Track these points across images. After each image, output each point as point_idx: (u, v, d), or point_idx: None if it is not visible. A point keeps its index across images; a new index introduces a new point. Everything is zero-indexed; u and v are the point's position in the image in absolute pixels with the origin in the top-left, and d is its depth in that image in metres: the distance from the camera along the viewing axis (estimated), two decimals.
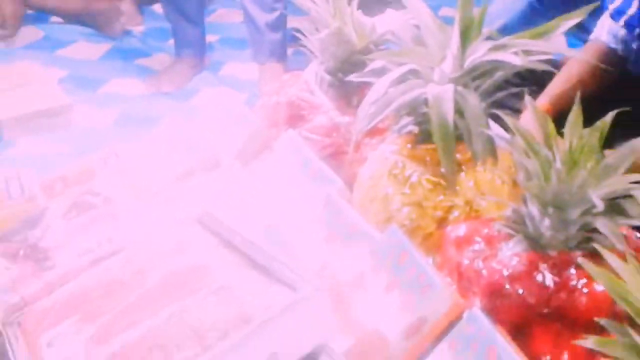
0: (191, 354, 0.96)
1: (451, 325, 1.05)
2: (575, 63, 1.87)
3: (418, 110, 1.32)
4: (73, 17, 3.03)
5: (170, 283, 1.13)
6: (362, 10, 1.68)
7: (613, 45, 1.92)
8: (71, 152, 2.05)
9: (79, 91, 2.50)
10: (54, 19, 3.07)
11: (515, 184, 1.27)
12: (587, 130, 1.09)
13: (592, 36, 1.95)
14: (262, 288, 1.05)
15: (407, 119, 1.35)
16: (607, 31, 1.93)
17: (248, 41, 2.62)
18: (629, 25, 1.90)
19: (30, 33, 2.96)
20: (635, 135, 1.13)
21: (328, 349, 1.02)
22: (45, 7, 3.08)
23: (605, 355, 0.89)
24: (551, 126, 1.11)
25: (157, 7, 3.00)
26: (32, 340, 1.14)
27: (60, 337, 1.11)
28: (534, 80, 1.46)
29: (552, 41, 1.33)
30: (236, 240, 1.18)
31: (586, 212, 1.05)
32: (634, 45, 1.91)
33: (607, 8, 1.93)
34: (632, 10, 1.89)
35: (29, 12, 3.02)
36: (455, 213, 1.26)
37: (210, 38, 2.79)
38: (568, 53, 1.35)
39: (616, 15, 1.91)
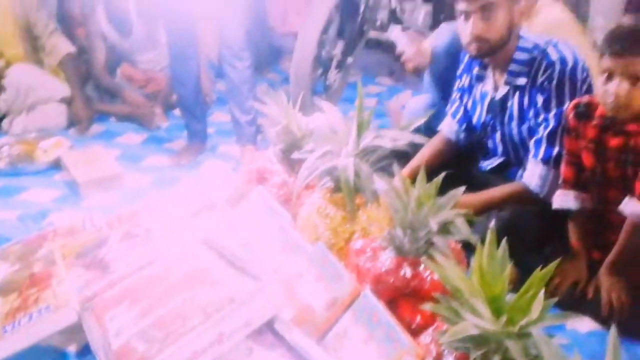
0: (197, 322, 0.97)
1: (353, 301, 1.06)
2: (427, 146, 1.89)
3: (333, 174, 1.32)
4: (124, 117, 3.00)
5: (185, 279, 1.12)
6: (301, 112, 1.67)
7: (449, 136, 1.94)
8: (124, 202, 2.02)
9: (128, 164, 2.46)
10: (112, 118, 3.03)
11: (390, 216, 1.26)
12: (429, 184, 1.11)
13: (438, 128, 1.97)
14: (240, 280, 1.05)
15: (327, 179, 1.34)
16: (447, 125, 1.94)
17: (234, 132, 2.60)
18: (460, 122, 1.92)
19: (97, 128, 2.92)
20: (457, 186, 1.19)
21: (280, 316, 1.02)
22: (106, 111, 3.04)
23: (438, 315, 0.92)
24: (408, 182, 1.12)
25: (176, 111, 2.95)
26: (100, 318, 1.12)
27: (118, 314, 1.10)
28: (402, 155, 1.45)
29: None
30: (225, 252, 1.18)
31: (428, 232, 1.07)
32: (462, 136, 1.93)
33: (447, 113, 1.96)
34: (459, 115, 1.91)
35: (96, 115, 2.99)
36: (356, 235, 1.26)
37: (210, 130, 2.75)
38: (421, 141, 1.38)
39: (453, 115, 1.93)
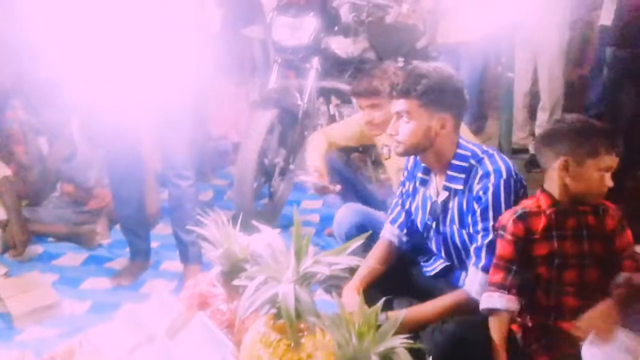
0: None
1: None
2: (372, 253, 1.91)
3: (275, 301, 1.28)
4: (63, 238, 2.92)
5: None
6: (242, 231, 1.64)
7: (393, 240, 1.95)
8: (60, 333, 1.92)
9: (65, 289, 2.37)
10: (50, 239, 2.95)
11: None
12: (370, 309, 1.09)
13: (381, 234, 1.97)
14: None
15: (268, 306, 1.31)
16: (388, 232, 1.96)
17: (177, 249, 2.54)
18: (400, 227, 1.94)
19: (34, 250, 2.83)
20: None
21: None
22: (44, 232, 2.96)
23: None
24: (347, 314, 1.12)
25: (119, 227, 2.90)
26: None
27: None
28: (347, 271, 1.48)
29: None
30: None
31: None
32: (404, 239, 1.95)
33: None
34: (400, 220, 1.94)
35: (33, 236, 2.90)
36: None
37: (153, 244, 2.68)
38: (358, 264, 1.36)
39: (392, 221, 1.96)
